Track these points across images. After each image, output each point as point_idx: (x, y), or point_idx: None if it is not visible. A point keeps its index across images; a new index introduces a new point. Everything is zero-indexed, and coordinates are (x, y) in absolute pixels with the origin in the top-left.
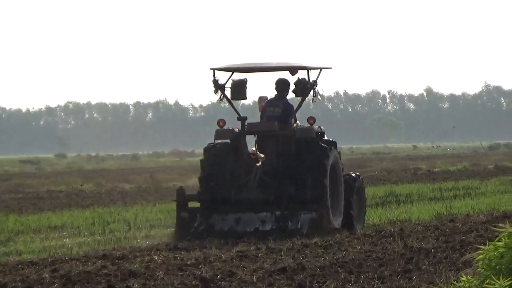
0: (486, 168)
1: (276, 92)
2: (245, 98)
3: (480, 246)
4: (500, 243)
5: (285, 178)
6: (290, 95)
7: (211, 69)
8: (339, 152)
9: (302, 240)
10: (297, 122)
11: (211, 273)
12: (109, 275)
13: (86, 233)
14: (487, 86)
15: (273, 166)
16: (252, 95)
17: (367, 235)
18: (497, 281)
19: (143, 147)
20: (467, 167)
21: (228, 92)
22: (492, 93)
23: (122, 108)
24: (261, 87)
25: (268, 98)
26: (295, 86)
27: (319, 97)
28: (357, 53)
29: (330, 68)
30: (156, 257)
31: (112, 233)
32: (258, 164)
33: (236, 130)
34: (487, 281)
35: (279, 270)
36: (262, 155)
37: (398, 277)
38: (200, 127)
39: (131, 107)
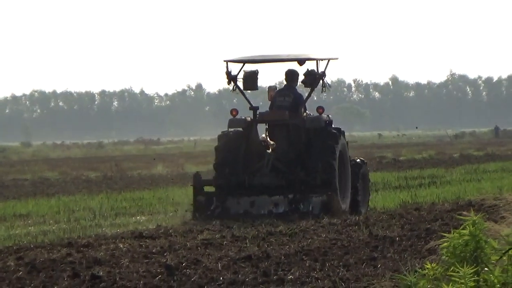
0: (451, 156)
1: (285, 83)
2: (256, 88)
3: (445, 234)
4: (464, 231)
5: (296, 164)
6: (299, 85)
7: (224, 61)
8: (347, 142)
9: (267, 228)
10: (307, 111)
11: (176, 261)
12: (74, 262)
13: (51, 221)
14: (452, 74)
15: (284, 153)
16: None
17: (332, 223)
18: (461, 268)
19: (108, 136)
20: (432, 156)
21: (240, 83)
22: (457, 82)
23: (87, 96)
24: (269, 77)
25: (278, 88)
26: (305, 77)
27: (327, 87)
28: (323, 41)
29: (337, 58)
30: (121, 245)
31: (77, 221)
32: (268, 151)
33: (248, 119)
34: (452, 268)
35: (244, 258)
36: (272, 142)
37: (363, 265)
38: (165, 116)
39: (96, 95)
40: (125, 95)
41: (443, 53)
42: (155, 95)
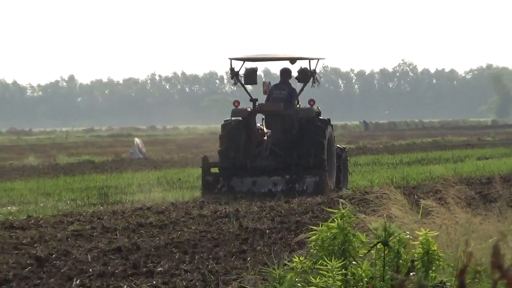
0: None
1: (280, 78)
2: (255, 83)
3: (313, 227)
4: (333, 224)
5: (291, 149)
6: (292, 81)
7: (228, 58)
8: (332, 128)
9: (137, 219)
10: (299, 103)
11: (46, 252)
12: None
13: None
14: (325, 67)
15: (280, 139)
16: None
17: (202, 215)
18: (329, 262)
19: None
20: None
21: (241, 78)
22: (329, 75)
23: None
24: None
25: (272, 83)
26: (298, 73)
27: (317, 82)
28: (198, 34)
29: (324, 58)
30: None
31: None
32: (265, 138)
33: (248, 109)
34: (320, 262)
35: (114, 249)
36: (267, 130)
37: (233, 257)
38: (38, 106)
39: None
40: None
41: (315, 46)
42: (28, 86)
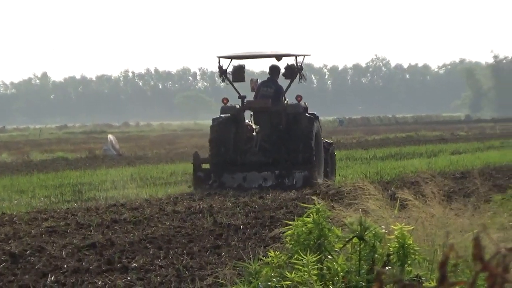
0: None
1: (268, 75)
2: (243, 80)
3: (289, 222)
4: (308, 219)
5: (280, 144)
6: (280, 78)
7: (217, 56)
8: (320, 126)
9: (111, 215)
10: (287, 99)
11: (21, 249)
12: None
13: None
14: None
15: (268, 135)
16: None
17: (177, 211)
18: (304, 256)
19: None
20: None
21: (229, 76)
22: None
23: None
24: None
25: (259, 80)
26: (285, 70)
27: (304, 78)
28: (168, 29)
29: (310, 55)
30: None
31: None
32: (254, 134)
33: (237, 106)
34: (295, 256)
35: (88, 245)
36: (255, 126)
37: (207, 253)
38: (11, 104)
39: None
40: None
41: (288, 42)
42: (1, 83)
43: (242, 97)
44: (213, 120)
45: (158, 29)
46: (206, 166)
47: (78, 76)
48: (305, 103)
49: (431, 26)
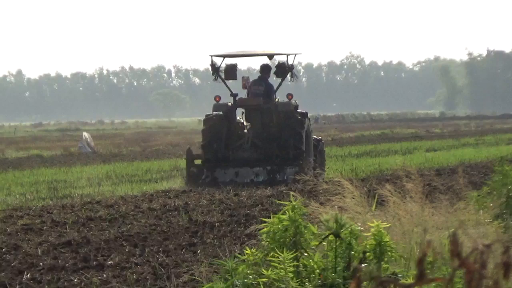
0: None
1: (260, 74)
2: (235, 78)
3: (265, 219)
4: (284, 216)
5: (271, 141)
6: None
7: (210, 55)
8: (310, 123)
9: (86, 213)
10: (278, 97)
11: None
12: None
13: None
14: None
15: (260, 132)
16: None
17: (152, 208)
18: (280, 254)
19: None
20: None
21: (222, 74)
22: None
23: None
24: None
25: (251, 79)
26: (276, 69)
27: (295, 77)
28: (142, 26)
29: (301, 53)
30: None
31: None
32: (245, 131)
33: (229, 104)
34: (271, 254)
35: (64, 243)
36: (246, 123)
37: (183, 250)
38: None
39: None
40: None
41: (261, 39)
42: None
43: (234, 95)
44: (206, 116)
45: (132, 26)
46: (198, 161)
47: (53, 74)
48: (295, 101)
49: (405, 24)
